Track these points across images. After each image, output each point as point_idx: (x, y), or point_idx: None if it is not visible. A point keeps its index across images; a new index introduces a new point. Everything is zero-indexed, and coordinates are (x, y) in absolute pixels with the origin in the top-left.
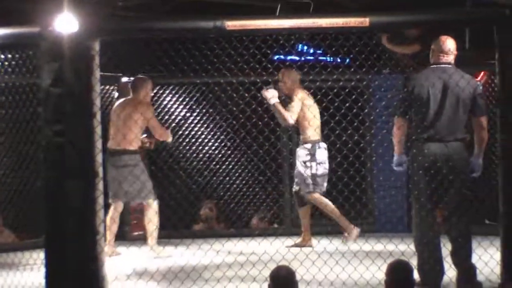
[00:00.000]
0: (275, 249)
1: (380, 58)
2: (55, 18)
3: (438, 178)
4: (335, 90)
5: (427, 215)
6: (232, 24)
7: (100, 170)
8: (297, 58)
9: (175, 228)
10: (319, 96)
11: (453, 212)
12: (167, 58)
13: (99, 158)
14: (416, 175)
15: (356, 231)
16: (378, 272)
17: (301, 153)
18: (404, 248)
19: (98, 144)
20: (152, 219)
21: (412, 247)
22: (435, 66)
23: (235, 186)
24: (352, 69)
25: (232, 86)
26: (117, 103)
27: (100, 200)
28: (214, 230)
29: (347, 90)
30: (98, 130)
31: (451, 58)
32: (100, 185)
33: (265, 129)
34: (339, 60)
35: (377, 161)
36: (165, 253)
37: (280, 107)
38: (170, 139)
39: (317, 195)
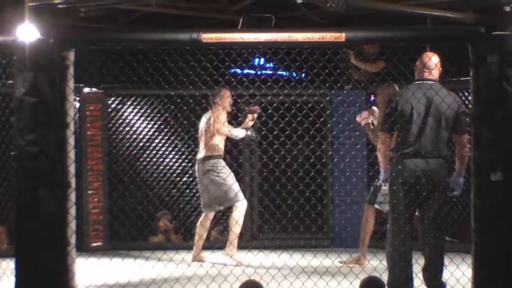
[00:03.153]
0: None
1: (343, 74)
2: (17, 28)
3: (418, 194)
4: (297, 105)
5: (401, 231)
6: (208, 37)
7: (73, 181)
8: (253, 72)
9: (133, 240)
10: (281, 111)
11: (430, 228)
12: (129, 69)
13: (72, 168)
14: (396, 190)
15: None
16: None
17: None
18: (376, 264)
19: (71, 154)
20: (238, 221)
21: (373, 262)
22: (420, 82)
23: (195, 198)
24: (315, 84)
25: (195, 98)
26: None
27: (72, 211)
28: (172, 242)
29: (309, 105)
30: (71, 140)
31: (435, 74)
32: (73, 196)
33: (227, 143)
34: (295, 75)
35: (338, 176)
36: (237, 257)
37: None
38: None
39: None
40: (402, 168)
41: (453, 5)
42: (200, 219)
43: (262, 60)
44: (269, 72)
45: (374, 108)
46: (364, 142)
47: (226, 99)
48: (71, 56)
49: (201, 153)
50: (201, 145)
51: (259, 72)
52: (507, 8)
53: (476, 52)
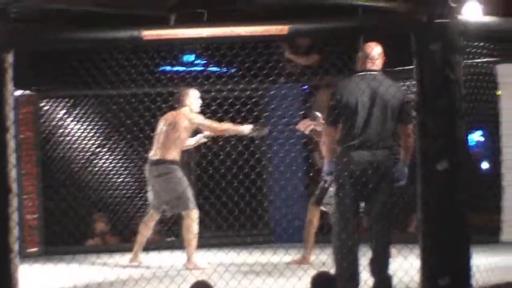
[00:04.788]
0: (171, 263)
1: (276, 68)
2: None
3: (365, 186)
4: (230, 101)
5: (349, 224)
6: (148, 34)
7: (14, 186)
8: (183, 69)
9: (70, 244)
10: (214, 107)
11: (376, 220)
12: (59, 70)
13: (13, 173)
14: (342, 183)
15: None
16: (299, 283)
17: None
18: (324, 258)
19: (12, 158)
20: (190, 229)
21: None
22: (363, 73)
23: (131, 199)
24: (247, 79)
25: (126, 98)
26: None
27: (15, 217)
28: (109, 245)
29: (242, 100)
30: (12, 144)
31: (377, 64)
32: (15, 201)
33: None
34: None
35: (273, 171)
36: (199, 267)
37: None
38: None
39: None
40: (348, 160)
41: None
42: (145, 218)
43: (192, 57)
44: (199, 68)
45: (317, 113)
46: (299, 136)
47: (194, 99)
48: (10, 58)
49: (156, 155)
50: (157, 147)
51: (189, 69)
52: None
53: (418, 41)
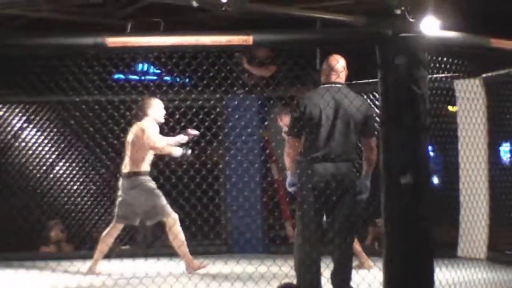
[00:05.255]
0: (132, 271)
1: (239, 78)
2: None
3: (327, 198)
4: (193, 110)
5: (311, 236)
6: (113, 41)
7: None
8: (137, 77)
9: (22, 250)
10: (177, 116)
11: (338, 232)
12: (18, 75)
13: None
14: (304, 195)
15: None
16: None
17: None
18: (276, 270)
19: None
20: (177, 235)
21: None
22: (327, 85)
23: (86, 206)
24: (211, 88)
25: (78, 104)
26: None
27: None
28: (64, 252)
29: (205, 110)
30: None
31: (341, 77)
32: None
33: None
34: (179, 80)
35: (236, 182)
36: (203, 269)
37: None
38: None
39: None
40: (311, 172)
41: (343, 8)
42: (109, 229)
43: (145, 66)
44: (153, 77)
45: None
46: (261, 147)
47: (158, 109)
48: None
49: (127, 168)
50: (126, 159)
51: (142, 78)
52: (398, 11)
53: (383, 55)
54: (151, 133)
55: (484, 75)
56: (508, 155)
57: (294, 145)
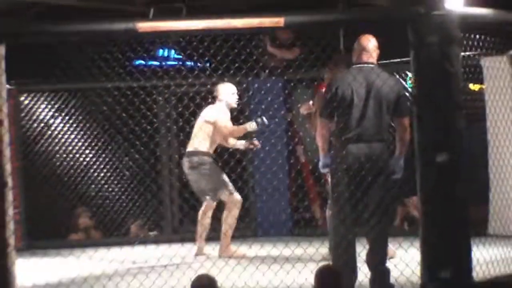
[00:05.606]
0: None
1: (259, 61)
2: None
3: (361, 179)
4: (213, 94)
5: (346, 217)
6: (143, 26)
7: (10, 180)
8: (158, 63)
9: (51, 239)
10: (197, 101)
11: (373, 213)
12: (40, 64)
13: (7, 167)
14: (338, 176)
15: None
16: (299, 276)
17: None
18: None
19: (6, 152)
20: (231, 212)
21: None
22: (359, 66)
23: (113, 193)
24: (232, 72)
25: (107, 91)
26: None
27: (10, 211)
28: (93, 240)
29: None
30: (6, 137)
31: (373, 57)
32: (10, 195)
33: (144, 136)
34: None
35: (258, 165)
36: (239, 253)
37: None
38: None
39: None
40: (345, 153)
41: None
42: (202, 208)
43: (166, 51)
44: (173, 62)
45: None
46: (283, 130)
47: (230, 94)
48: (1, 50)
49: (191, 147)
50: (194, 139)
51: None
52: None
53: (416, 33)
54: (223, 121)
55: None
56: None
57: (326, 126)
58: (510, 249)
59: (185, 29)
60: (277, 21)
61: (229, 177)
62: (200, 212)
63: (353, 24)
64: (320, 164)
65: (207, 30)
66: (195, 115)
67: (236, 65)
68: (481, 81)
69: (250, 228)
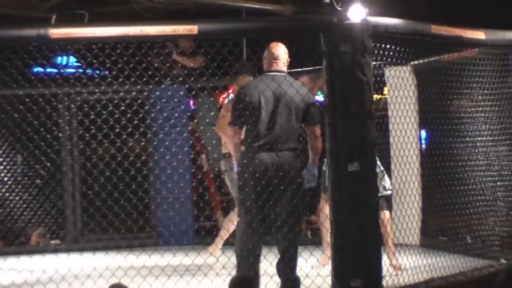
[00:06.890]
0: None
1: (161, 69)
2: None
3: (268, 187)
4: (115, 102)
5: (252, 226)
6: (57, 33)
7: None
8: (55, 70)
9: None
10: (98, 109)
11: (283, 222)
12: None
13: None
14: (245, 184)
15: None
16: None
17: None
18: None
19: None
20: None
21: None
22: (267, 74)
23: (14, 202)
24: (132, 80)
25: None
26: None
27: None
28: None
29: (127, 102)
30: None
31: (282, 65)
32: None
33: (43, 144)
34: (98, 72)
35: (159, 174)
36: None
37: None
38: None
39: None
40: (253, 161)
41: None
42: (229, 216)
43: (65, 58)
44: (72, 70)
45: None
46: (185, 138)
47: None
48: None
49: (223, 149)
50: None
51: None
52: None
53: (328, 42)
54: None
55: (413, 62)
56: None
57: (238, 134)
58: (418, 258)
59: (98, 35)
60: (191, 28)
61: (129, 186)
62: (226, 220)
63: (266, 32)
64: (235, 171)
65: (120, 37)
66: (95, 123)
67: (137, 73)
68: (381, 91)
69: (150, 237)
